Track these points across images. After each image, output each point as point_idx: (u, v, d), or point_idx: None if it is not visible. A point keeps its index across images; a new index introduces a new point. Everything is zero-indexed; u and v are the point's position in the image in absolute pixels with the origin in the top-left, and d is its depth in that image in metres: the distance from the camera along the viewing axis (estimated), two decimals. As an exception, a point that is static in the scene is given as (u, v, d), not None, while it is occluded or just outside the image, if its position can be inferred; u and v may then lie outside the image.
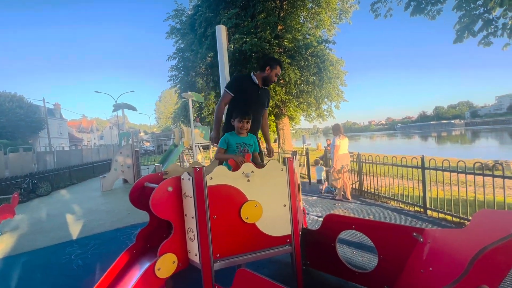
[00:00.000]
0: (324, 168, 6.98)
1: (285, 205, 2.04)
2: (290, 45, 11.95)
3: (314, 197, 5.90)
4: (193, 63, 13.90)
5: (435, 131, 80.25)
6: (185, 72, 15.11)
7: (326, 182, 6.37)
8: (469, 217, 3.68)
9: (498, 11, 5.24)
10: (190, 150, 10.20)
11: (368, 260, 2.86)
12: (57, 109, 42.03)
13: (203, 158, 11.53)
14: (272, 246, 2.02)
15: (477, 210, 3.77)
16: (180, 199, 1.99)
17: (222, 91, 3.13)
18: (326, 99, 14.21)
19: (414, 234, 2.04)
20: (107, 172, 9.72)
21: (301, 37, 12.49)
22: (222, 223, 1.88)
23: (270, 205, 1.98)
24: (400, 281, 2.07)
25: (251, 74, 2.95)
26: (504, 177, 3.36)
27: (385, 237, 2.20)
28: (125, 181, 9.69)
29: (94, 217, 5.47)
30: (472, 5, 6.00)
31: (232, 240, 1.91)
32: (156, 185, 2.06)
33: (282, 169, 2.04)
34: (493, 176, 3.47)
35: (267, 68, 2.85)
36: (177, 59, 15.36)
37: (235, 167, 2.02)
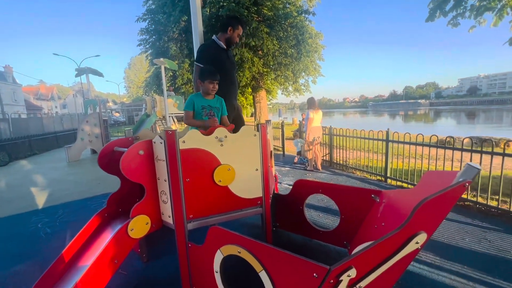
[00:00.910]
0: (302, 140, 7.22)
1: (257, 169, 2.12)
2: (270, 13, 11.46)
3: (287, 168, 6.15)
4: (165, 27, 12.84)
5: (403, 109, 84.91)
6: (157, 36, 13.99)
7: (298, 155, 6.63)
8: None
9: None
10: (163, 121, 9.86)
11: (332, 222, 3.13)
12: (9, 72, 37.38)
13: (177, 129, 11.24)
14: (244, 208, 2.12)
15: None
16: (152, 163, 1.97)
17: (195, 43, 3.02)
18: (303, 73, 14.19)
19: (372, 195, 2.26)
20: (73, 142, 9.15)
21: (281, 6, 11.98)
22: (195, 186, 1.91)
23: (242, 169, 2.05)
24: (357, 236, 2.32)
25: (214, 38, 2.86)
26: (453, 148, 3.74)
27: (347, 199, 2.41)
28: (94, 151, 9.24)
29: (61, 187, 5.25)
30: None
31: (205, 202, 1.97)
32: (124, 149, 2.02)
33: (255, 135, 2.08)
34: (445, 148, 3.86)
35: (229, 28, 2.78)
36: (147, 21, 14.09)
37: (208, 132, 2.02)
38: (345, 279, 1.25)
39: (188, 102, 2.40)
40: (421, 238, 1.33)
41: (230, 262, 1.76)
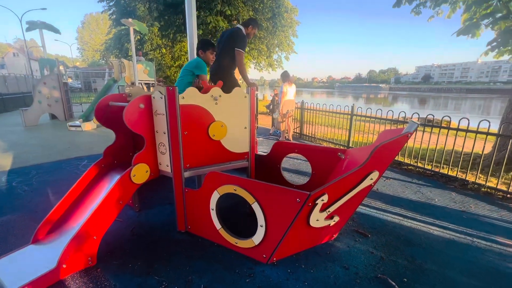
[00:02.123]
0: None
1: (245, 128, 2.41)
2: (246, -19, 11.12)
3: (261, 138, 6.53)
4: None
5: (366, 92, 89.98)
6: (122, -7, 12.74)
7: (273, 126, 7.03)
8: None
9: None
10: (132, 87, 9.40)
11: (302, 179, 3.63)
12: None
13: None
14: (233, 160, 2.43)
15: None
16: (151, 117, 2.14)
17: (188, 27, 3.12)
18: (277, 48, 14.27)
19: (339, 153, 2.72)
20: (23, 106, 8.35)
21: (258, -25, 11.64)
22: (192, 139, 2.15)
23: (233, 126, 2.32)
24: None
25: (242, 29, 3.37)
26: (404, 122, 4.42)
27: (318, 157, 2.85)
28: (54, 116, 8.59)
29: (26, 150, 4.99)
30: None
31: (200, 153, 2.23)
32: (125, 103, 2.15)
33: (245, 96, 2.34)
34: (397, 122, 4.53)
35: (250, 27, 3.46)
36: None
37: (204, 91, 2.22)
38: (319, 203, 1.67)
39: (204, 66, 2.75)
40: (375, 175, 1.79)
41: (221, 203, 2.09)
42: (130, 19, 7.94)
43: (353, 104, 5.23)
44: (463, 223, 2.59)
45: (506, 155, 3.49)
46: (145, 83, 9.87)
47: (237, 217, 2.58)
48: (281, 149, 3.06)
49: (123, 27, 12.83)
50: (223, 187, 1.95)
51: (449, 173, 3.74)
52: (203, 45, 2.92)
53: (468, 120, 3.57)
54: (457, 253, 2.12)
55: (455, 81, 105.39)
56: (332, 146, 5.89)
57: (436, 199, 3.12)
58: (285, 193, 1.70)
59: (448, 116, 4.04)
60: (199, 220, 2.22)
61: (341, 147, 5.62)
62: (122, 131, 2.46)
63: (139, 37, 12.51)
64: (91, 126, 7.20)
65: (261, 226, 1.84)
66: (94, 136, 6.44)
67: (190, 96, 2.08)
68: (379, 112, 4.94)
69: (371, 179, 1.80)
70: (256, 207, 1.82)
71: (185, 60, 15.69)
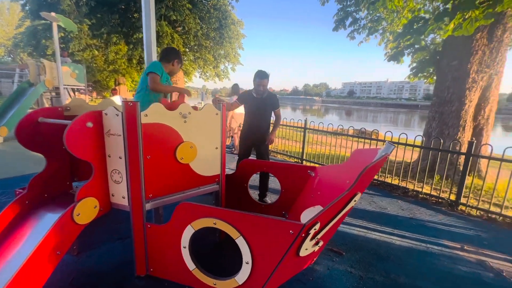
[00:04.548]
0: None
1: (217, 148, 2.17)
2: (192, -11, 10.80)
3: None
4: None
5: (303, 104, 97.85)
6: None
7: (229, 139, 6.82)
8: (329, 164, 5.10)
9: (365, 13, 6.82)
10: (55, 94, 7.86)
11: (271, 198, 3.52)
12: None
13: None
14: (202, 185, 2.15)
15: (330, 161, 5.26)
16: (101, 138, 1.72)
17: (145, 30, 2.66)
18: (224, 59, 14.21)
19: (309, 171, 2.71)
20: None
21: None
22: (156, 164, 1.80)
23: (204, 147, 2.06)
24: (294, 206, 2.74)
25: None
26: (354, 136, 4.81)
27: (287, 175, 2.79)
28: None
29: None
30: (347, 2, 7.47)
31: (165, 180, 1.89)
32: (63, 121, 1.68)
33: (217, 113, 2.11)
34: (344, 135, 4.91)
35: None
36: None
37: (169, 106, 1.90)
38: (312, 232, 1.55)
39: (158, 67, 2.20)
40: (358, 197, 1.79)
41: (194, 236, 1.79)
42: (53, 13, 6.70)
43: (306, 118, 5.47)
44: (415, 229, 2.87)
45: (427, 164, 4.11)
46: (73, 88, 8.42)
47: (206, 248, 2.28)
48: (248, 167, 2.90)
49: (42, 21, 10.83)
50: (199, 221, 1.67)
51: (392, 182, 4.19)
52: (171, 55, 2.51)
53: (391, 133, 4.16)
54: (418, 261, 2.30)
55: (372, 96, 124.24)
56: (286, 158, 6.02)
57: (388, 208, 3.42)
58: (277, 225, 1.53)
59: (377, 130, 4.59)
60: (166, 261, 1.85)
61: (296, 160, 5.78)
62: (55, 155, 1.92)
63: (62, 34, 10.71)
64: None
65: (247, 263, 1.62)
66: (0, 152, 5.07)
67: (154, 113, 1.74)
68: (329, 125, 5.28)
69: (355, 200, 1.79)
70: (241, 242, 1.60)
71: (122, 64, 14.17)
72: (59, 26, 7.48)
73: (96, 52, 11.71)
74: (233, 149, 6.33)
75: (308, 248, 1.71)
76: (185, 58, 12.77)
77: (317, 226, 1.57)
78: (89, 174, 1.72)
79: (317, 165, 5.21)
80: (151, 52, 2.51)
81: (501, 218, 3.18)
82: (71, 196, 1.93)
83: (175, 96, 2.62)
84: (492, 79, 4.56)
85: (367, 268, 2.16)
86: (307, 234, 1.55)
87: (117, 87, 13.34)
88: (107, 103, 2.26)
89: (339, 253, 2.34)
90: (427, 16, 5.43)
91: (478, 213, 3.33)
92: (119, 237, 2.39)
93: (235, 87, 6.53)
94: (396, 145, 4.08)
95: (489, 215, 3.25)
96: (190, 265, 1.76)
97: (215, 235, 2.40)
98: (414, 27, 5.07)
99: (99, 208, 1.73)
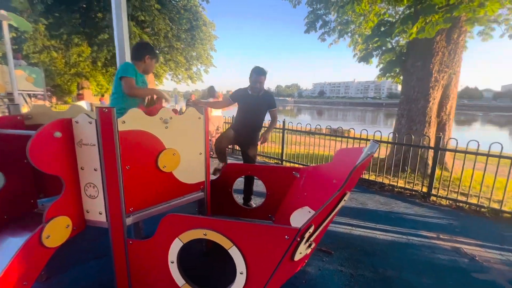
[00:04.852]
0: None
1: (200, 153, 2.07)
2: (160, -12, 10.42)
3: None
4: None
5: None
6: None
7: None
8: (309, 164, 5.18)
9: (334, 16, 7.06)
10: (7, 100, 7.06)
11: (258, 201, 3.46)
12: None
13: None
14: (187, 194, 2.03)
15: (310, 160, 5.36)
16: (72, 149, 1.54)
17: (116, 27, 2.42)
18: (197, 61, 13.92)
19: (294, 172, 2.70)
20: None
21: (173, -16, 11.14)
22: (137, 174, 1.66)
23: (187, 153, 1.95)
24: (281, 208, 2.72)
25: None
26: (326, 134, 4.94)
27: (272, 177, 2.76)
28: None
29: None
30: (318, 5, 7.69)
31: (148, 191, 1.75)
32: (24, 132, 1.48)
33: (199, 118, 2.01)
34: (320, 134, 5.03)
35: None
36: None
37: (150, 111, 1.77)
38: (306, 235, 1.53)
39: (130, 68, 2.01)
40: (347, 196, 1.80)
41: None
42: (3, 11, 6.04)
43: (284, 119, 5.51)
44: (395, 223, 3.00)
45: (400, 159, 4.36)
46: (29, 93, 7.65)
47: (193, 259, 2.16)
48: (232, 171, 2.82)
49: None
50: (188, 233, 1.56)
51: (369, 178, 4.36)
52: (140, 52, 2.29)
53: (367, 131, 4.36)
54: (401, 254, 2.39)
55: (341, 96, 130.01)
56: (266, 159, 6.01)
57: (368, 204, 3.54)
58: (271, 231, 1.48)
59: (353, 128, 4.77)
60: (152, 278, 1.71)
61: (276, 161, 5.80)
62: (16, 170, 1.69)
63: (14, 34, 9.72)
64: None
65: (241, 273, 1.55)
66: None
67: (133, 120, 1.60)
68: (307, 125, 5.37)
69: (345, 200, 1.80)
70: (234, 252, 1.52)
71: (85, 67, 13.21)
72: (10, 26, 6.76)
73: (55, 54, 10.79)
74: (212, 153, 6.18)
75: (302, 251, 1.68)
76: (155, 60, 12.27)
77: (311, 229, 1.55)
78: (57, 188, 1.54)
79: (297, 165, 5.30)
80: (124, 53, 2.33)
81: (467, 206, 3.45)
82: (37, 216, 1.71)
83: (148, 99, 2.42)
84: (451, 78, 4.96)
85: (356, 265, 2.20)
86: (302, 238, 1.52)
87: (82, 91, 12.43)
88: (76, 109, 2.06)
89: (328, 253, 2.36)
90: (392, 19, 5.76)
91: (447, 203, 3.58)
92: (94, 256, 2.18)
93: (211, 89, 6.42)
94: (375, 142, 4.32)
95: (457, 204, 3.51)
96: (179, 280, 1.64)
97: (202, 245, 2.29)
98: (382, 30, 5.36)
99: (72, 227, 1.54)
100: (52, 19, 9.80)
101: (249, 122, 3.04)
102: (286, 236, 1.46)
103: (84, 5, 10.41)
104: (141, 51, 2.27)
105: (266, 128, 3.33)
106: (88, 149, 1.54)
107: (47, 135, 1.39)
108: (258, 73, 2.90)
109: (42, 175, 1.85)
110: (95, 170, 1.55)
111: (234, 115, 6.73)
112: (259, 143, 3.18)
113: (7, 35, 6.06)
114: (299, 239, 1.50)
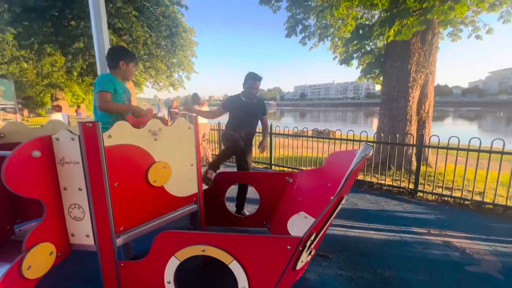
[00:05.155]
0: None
1: (192, 165, 1.99)
2: (137, -5, 10.18)
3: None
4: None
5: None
6: None
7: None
8: (298, 167, 5.20)
9: (314, 21, 7.21)
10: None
11: (252, 209, 3.39)
12: None
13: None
14: (179, 207, 1.94)
15: (299, 163, 5.38)
16: (53, 169, 1.42)
17: (96, 33, 2.30)
18: (178, 68, 13.70)
19: (286, 177, 2.68)
20: None
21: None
22: (126, 191, 1.56)
23: (178, 166, 1.86)
24: (275, 214, 2.68)
25: None
26: (322, 137, 4.99)
27: (265, 183, 2.71)
28: None
29: None
30: (297, 10, 7.83)
31: (138, 208, 1.65)
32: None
33: (189, 127, 1.94)
34: (311, 136, 5.07)
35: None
36: None
37: (135, 123, 1.68)
38: (308, 243, 1.50)
39: (106, 81, 1.88)
40: (344, 199, 1.80)
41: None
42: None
43: (271, 123, 5.51)
44: (387, 221, 3.05)
45: (387, 157, 4.48)
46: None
47: (189, 276, 2.06)
48: (224, 180, 2.75)
49: None
50: (185, 250, 1.48)
51: (358, 178, 4.43)
52: (114, 58, 2.11)
53: (353, 131, 4.46)
54: (397, 252, 2.42)
55: (322, 97, 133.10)
56: (255, 164, 5.96)
57: (359, 203, 3.59)
58: (273, 242, 1.44)
59: (340, 130, 4.86)
60: (146, 301, 1.60)
61: (265, 165, 5.77)
62: (-11, 194, 1.53)
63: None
64: None
65: (243, 288, 1.48)
66: None
67: (119, 133, 1.51)
68: (294, 128, 5.40)
69: (342, 203, 1.80)
70: (235, 267, 1.46)
71: (59, 77, 12.58)
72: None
73: (26, 65, 10.19)
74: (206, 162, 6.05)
75: (303, 260, 1.64)
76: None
77: (313, 237, 1.52)
78: (37, 210, 1.41)
79: (287, 169, 5.29)
80: (105, 62, 2.20)
81: (452, 199, 3.59)
82: (15, 243, 1.56)
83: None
84: (428, 78, 5.19)
85: (354, 267, 2.19)
86: (304, 246, 1.49)
87: (57, 103, 11.82)
88: (55, 124, 1.92)
89: (326, 257, 2.34)
90: (370, 23, 5.97)
91: (433, 198, 3.70)
92: (82, 280, 2.02)
93: (195, 96, 6.32)
94: (362, 143, 4.39)
95: (443, 198, 3.64)
96: (177, 301, 1.55)
97: (197, 259, 2.20)
98: (360, 33, 5.53)
99: (55, 254, 1.42)
100: (21, 29, 9.27)
101: (245, 129, 2.97)
102: (288, 247, 1.41)
103: (56, 13, 9.95)
104: (114, 57, 2.10)
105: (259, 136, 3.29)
106: (71, 168, 1.42)
107: (24, 156, 1.27)
108: (254, 79, 2.85)
109: (18, 198, 1.70)
110: (79, 189, 1.44)
111: (220, 122, 6.63)
112: (259, 150, 3.13)
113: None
114: (301, 248, 1.47)
